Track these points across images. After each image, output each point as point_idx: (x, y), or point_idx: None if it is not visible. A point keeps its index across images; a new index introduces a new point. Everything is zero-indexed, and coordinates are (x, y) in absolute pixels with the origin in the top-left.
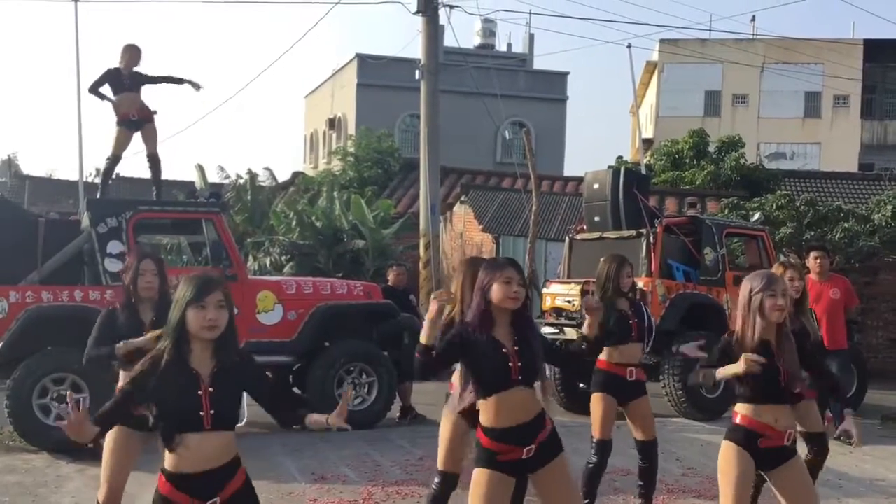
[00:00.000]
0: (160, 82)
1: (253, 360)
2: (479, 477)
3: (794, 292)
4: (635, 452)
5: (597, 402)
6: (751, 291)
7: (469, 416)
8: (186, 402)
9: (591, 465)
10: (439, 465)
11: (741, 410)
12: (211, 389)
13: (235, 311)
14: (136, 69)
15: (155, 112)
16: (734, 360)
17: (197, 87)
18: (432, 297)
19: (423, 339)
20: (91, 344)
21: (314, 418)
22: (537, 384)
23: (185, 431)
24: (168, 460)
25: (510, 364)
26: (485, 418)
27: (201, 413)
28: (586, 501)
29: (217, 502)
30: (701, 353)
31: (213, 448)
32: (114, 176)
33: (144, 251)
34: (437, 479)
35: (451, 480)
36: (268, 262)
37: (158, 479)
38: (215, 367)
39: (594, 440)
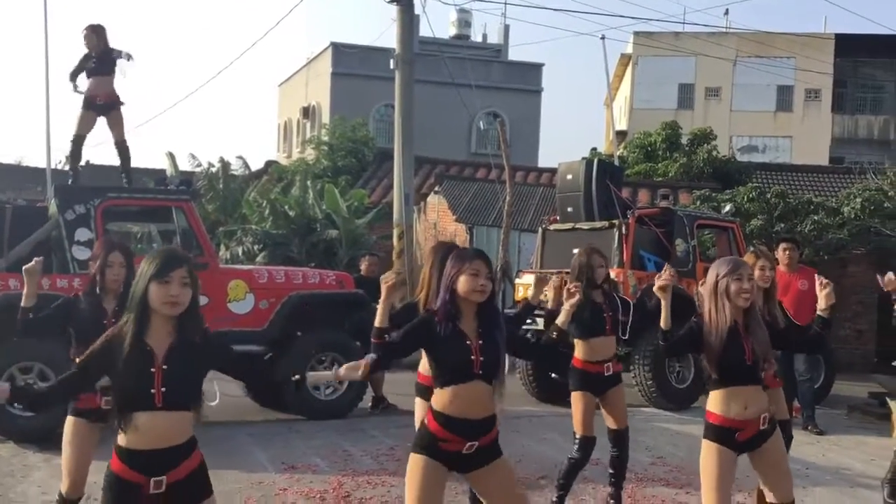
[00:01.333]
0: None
1: (216, 337)
2: (416, 462)
3: (762, 282)
4: (605, 442)
5: (577, 400)
6: (717, 276)
7: None
8: (138, 379)
9: (572, 460)
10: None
11: (712, 408)
12: (164, 367)
13: (205, 300)
14: (104, 49)
15: (122, 103)
16: (700, 346)
17: (129, 56)
18: (382, 279)
19: (376, 321)
20: (38, 319)
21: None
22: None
23: (136, 408)
24: (121, 437)
25: (472, 357)
26: (437, 403)
27: (152, 390)
28: (560, 493)
29: (163, 481)
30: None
31: (165, 427)
32: (83, 162)
33: (113, 242)
34: None
35: None
36: (240, 252)
37: (112, 456)
38: (172, 344)
39: (577, 437)
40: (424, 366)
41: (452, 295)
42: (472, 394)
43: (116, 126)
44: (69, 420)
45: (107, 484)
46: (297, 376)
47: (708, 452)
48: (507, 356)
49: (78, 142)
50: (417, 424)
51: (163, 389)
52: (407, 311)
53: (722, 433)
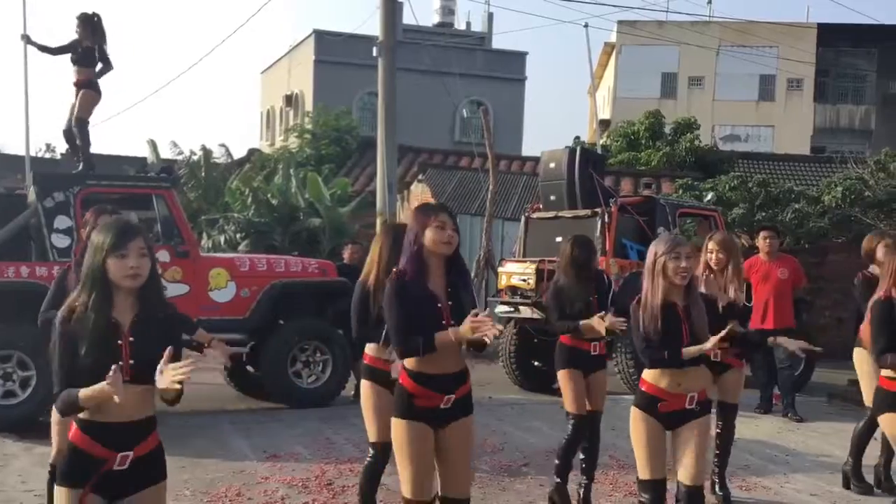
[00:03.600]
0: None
1: (181, 318)
2: (399, 428)
3: (714, 264)
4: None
5: (565, 378)
6: (655, 254)
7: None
8: (105, 353)
9: (565, 440)
10: (371, 438)
11: (645, 376)
12: (131, 339)
13: (186, 288)
14: (88, 44)
15: (96, 86)
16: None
17: (105, 69)
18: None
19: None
20: (43, 306)
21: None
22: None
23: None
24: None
25: (443, 321)
26: (410, 363)
27: (120, 363)
28: (558, 481)
29: (130, 456)
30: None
31: (133, 401)
32: (65, 149)
33: (104, 208)
34: (371, 452)
35: (388, 450)
36: (222, 240)
37: (70, 428)
38: (135, 317)
39: (570, 415)
40: (371, 347)
41: (419, 249)
42: (444, 353)
43: (82, 103)
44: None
45: (68, 459)
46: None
47: (633, 417)
48: (489, 343)
49: (81, 125)
50: (368, 408)
51: (131, 362)
52: (363, 299)
53: (646, 401)
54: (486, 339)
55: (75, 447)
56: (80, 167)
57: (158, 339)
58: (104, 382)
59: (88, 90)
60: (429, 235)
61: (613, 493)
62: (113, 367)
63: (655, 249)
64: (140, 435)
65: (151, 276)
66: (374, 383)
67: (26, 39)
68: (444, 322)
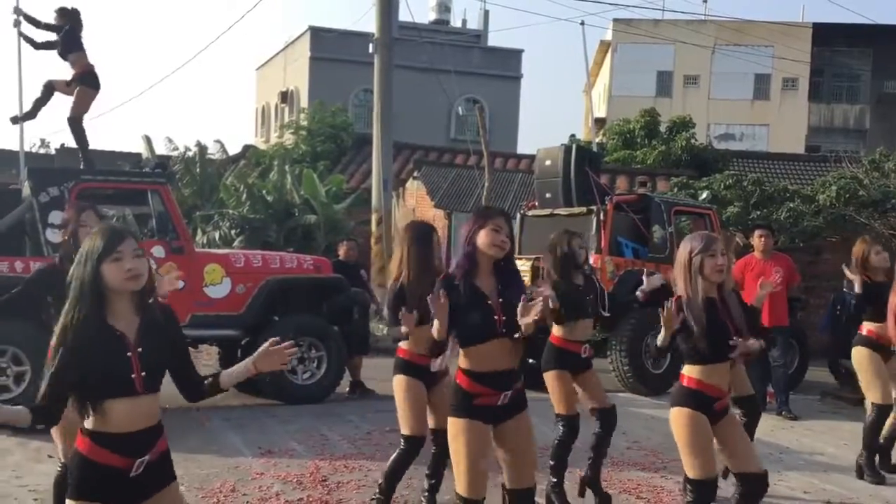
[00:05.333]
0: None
1: (174, 316)
2: (457, 426)
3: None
4: (585, 429)
5: (554, 379)
6: (690, 252)
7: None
8: (115, 367)
9: (558, 440)
10: (404, 430)
11: (692, 374)
12: (140, 349)
13: (181, 284)
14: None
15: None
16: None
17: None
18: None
19: (437, 334)
20: (13, 295)
21: (230, 373)
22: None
23: (114, 396)
24: (93, 421)
25: (495, 317)
26: (464, 362)
27: (132, 376)
28: (554, 480)
29: (146, 461)
30: (659, 281)
31: (145, 410)
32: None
33: (83, 204)
34: (403, 444)
35: (420, 444)
36: (217, 236)
37: (78, 440)
38: (140, 326)
39: (560, 416)
40: (405, 341)
41: (472, 249)
42: (497, 350)
43: (77, 100)
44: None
45: (81, 472)
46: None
47: (682, 419)
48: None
49: (74, 124)
50: (399, 402)
51: (143, 374)
52: (399, 296)
53: (697, 398)
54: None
55: (88, 460)
56: (82, 167)
57: (163, 345)
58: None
59: (85, 87)
60: (482, 237)
61: (608, 490)
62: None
63: (690, 247)
64: (154, 440)
65: (149, 277)
66: (408, 377)
67: (18, 12)
68: (495, 317)
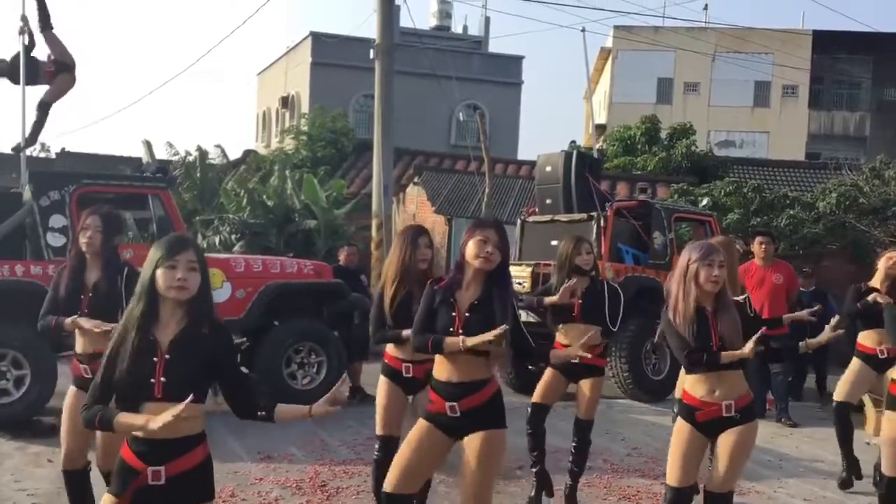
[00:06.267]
0: None
1: (225, 332)
2: (421, 427)
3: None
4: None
5: (546, 373)
6: (689, 261)
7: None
8: (140, 369)
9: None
10: (377, 430)
11: (685, 386)
12: (167, 357)
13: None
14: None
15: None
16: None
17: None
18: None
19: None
20: (42, 310)
21: (283, 410)
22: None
23: (137, 398)
24: None
25: (451, 329)
26: (434, 368)
27: (152, 380)
28: (533, 465)
29: (161, 472)
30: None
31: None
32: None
33: (95, 208)
34: (377, 445)
35: (391, 444)
36: (217, 241)
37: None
38: (177, 334)
39: (531, 403)
40: (392, 347)
41: (461, 259)
42: (454, 361)
43: (55, 87)
44: (69, 390)
45: (117, 467)
46: (262, 412)
47: (675, 427)
48: (493, 351)
49: (44, 108)
50: (379, 403)
51: (162, 380)
52: (381, 298)
53: (684, 410)
54: (488, 348)
55: (121, 458)
56: (21, 143)
57: (197, 357)
58: (146, 415)
59: (66, 74)
60: (469, 248)
61: (608, 497)
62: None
63: (689, 255)
64: (174, 452)
65: (202, 290)
66: (389, 380)
67: (25, 21)
68: (451, 330)
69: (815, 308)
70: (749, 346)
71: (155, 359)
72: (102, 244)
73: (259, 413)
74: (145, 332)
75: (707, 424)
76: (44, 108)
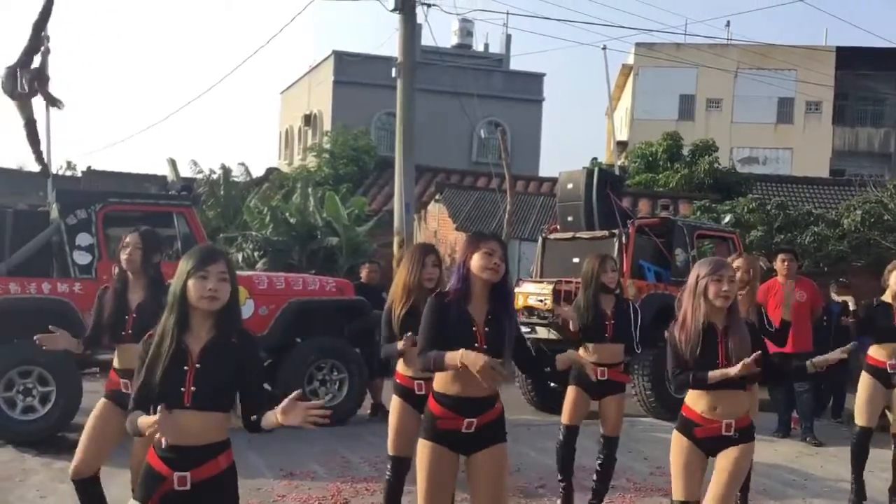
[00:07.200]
0: None
1: (252, 341)
2: (420, 448)
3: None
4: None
5: (568, 392)
6: (698, 276)
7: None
8: (171, 377)
9: (557, 445)
10: (389, 450)
11: (686, 399)
12: (198, 366)
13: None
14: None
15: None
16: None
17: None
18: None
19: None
20: (87, 333)
21: (266, 416)
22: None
23: (168, 407)
24: None
25: (475, 344)
26: (438, 384)
27: (182, 389)
28: (560, 480)
29: (187, 477)
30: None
31: (193, 425)
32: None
33: (138, 227)
34: (389, 465)
35: (403, 466)
36: (240, 258)
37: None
38: (207, 344)
39: (561, 425)
40: (402, 366)
41: (466, 273)
42: (468, 375)
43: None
44: (100, 402)
45: (143, 472)
46: (254, 417)
47: (673, 441)
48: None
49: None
50: (392, 423)
51: (192, 388)
52: (389, 313)
53: (683, 423)
54: (485, 384)
55: (148, 463)
56: (39, 169)
57: (226, 367)
58: (152, 417)
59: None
60: (475, 261)
61: None
62: (160, 406)
63: (699, 271)
64: (199, 459)
65: (232, 301)
66: (401, 399)
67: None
68: (476, 345)
69: (851, 345)
70: (737, 369)
71: (186, 367)
72: (143, 262)
73: (252, 418)
74: (179, 341)
75: (705, 441)
76: (30, 126)
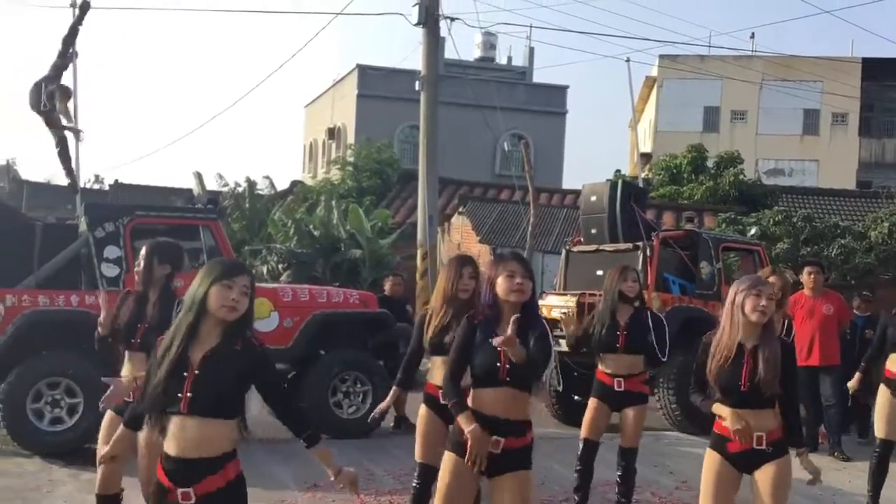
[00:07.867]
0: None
1: (256, 347)
2: (445, 460)
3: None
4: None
5: (589, 405)
6: (735, 292)
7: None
8: (170, 383)
9: (577, 457)
10: (417, 457)
11: (718, 414)
12: (196, 373)
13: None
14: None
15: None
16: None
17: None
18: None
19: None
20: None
21: (322, 453)
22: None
23: (167, 412)
24: (164, 441)
25: (498, 364)
26: (473, 401)
27: (179, 395)
28: (575, 490)
29: (190, 493)
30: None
31: (193, 435)
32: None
33: (155, 238)
34: (416, 472)
35: (430, 473)
36: (265, 270)
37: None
38: (209, 351)
39: (582, 438)
40: (433, 375)
41: (494, 297)
42: (500, 398)
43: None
44: (106, 415)
45: (152, 490)
46: (308, 432)
47: (706, 456)
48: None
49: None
50: (419, 431)
51: (189, 395)
52: (421, 324)
53: (715, 440)
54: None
55: (157, 479)
56: (68, 184)
57: (226, 374)
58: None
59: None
60: (500, 284)
61: None
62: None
63: (737, 287)
64: (202, 472)
65: (247, 315)
66: (428, 408)
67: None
68: (498, 365)
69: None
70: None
71: (185, 374)
72: (148, 274)
73: (305, 432)
74: (185, 346)
75: (738, 456)
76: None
